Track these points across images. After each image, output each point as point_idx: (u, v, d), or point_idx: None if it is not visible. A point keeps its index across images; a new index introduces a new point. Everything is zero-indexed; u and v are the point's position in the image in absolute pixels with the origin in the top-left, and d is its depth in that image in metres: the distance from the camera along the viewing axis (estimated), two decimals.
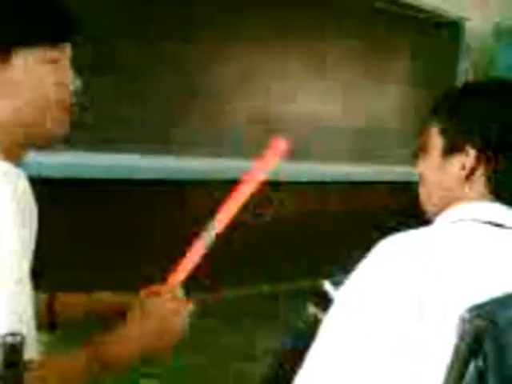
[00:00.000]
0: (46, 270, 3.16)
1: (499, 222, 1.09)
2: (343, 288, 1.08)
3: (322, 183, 4.78)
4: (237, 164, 4.16)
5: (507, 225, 1.09)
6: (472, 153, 1.13)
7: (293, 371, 1.08)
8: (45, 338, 1.23)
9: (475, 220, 1.09)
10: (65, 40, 1.12)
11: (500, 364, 0.90)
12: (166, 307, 1.18)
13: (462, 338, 0.91)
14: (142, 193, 3.93)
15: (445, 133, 1.17)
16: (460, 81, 5.59)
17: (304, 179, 4.66)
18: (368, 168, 5.14)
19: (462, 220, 1.10)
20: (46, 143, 1.13)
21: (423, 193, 1.24)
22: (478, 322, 0.89)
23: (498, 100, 1.15)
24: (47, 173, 3.16)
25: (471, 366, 0.91)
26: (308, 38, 4.72)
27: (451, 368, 0.92)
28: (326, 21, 4.76)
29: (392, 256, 1.04)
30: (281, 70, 4.61)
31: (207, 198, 4.01)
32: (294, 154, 4.91)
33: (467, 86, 1.25)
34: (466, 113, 1.16)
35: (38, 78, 1.08)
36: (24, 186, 1.00)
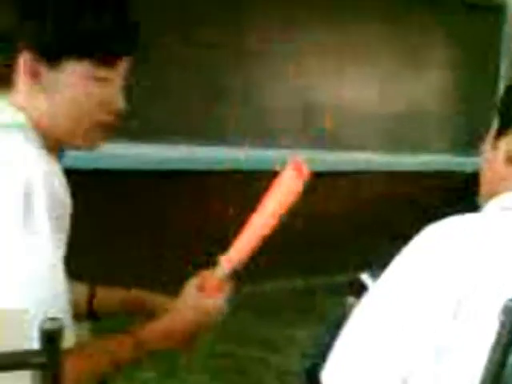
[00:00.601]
0: (86, 263, 3.23)
1: None
2: (387, 269, 1.07)
3: (356, 173, 4.74)
4: (271, 154, 4.18)
5: None
6: (510, 134, 1.12)
7: None
8: (85, 327, 1.26)
9: None
10: (116, 61, 1.09)
11: None
12: (207, 306, 1.19)
13: (503, 325, 0.89)
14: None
15: (499, 115, 1.17)
16: (502, 66, 5.48)
17: (337, 169, 4.62)
18: (408, 157, 5.07)
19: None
20: (70, 150, 1.15)
21: (482, 181, 1.23)
22: None
23: None
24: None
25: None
26: (342, 25, 4.67)
27: (492, 355, 0.91)
28: (361, 5, 4.70)
29: (437, 241, 1.03)
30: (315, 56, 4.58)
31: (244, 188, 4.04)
32: (326, 144, 4.87)
33: None
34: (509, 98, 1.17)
35: (84, 93, 1.07)
36: (60, 182, 1.01)
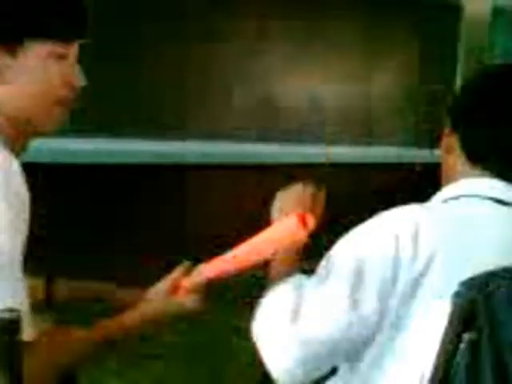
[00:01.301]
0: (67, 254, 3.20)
1: (502, 198, 1.09)
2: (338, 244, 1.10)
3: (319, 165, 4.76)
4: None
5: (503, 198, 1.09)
6: (448, 123, 1.18)
7: None
8: (45, 318, 1.24)
9: (479, 196, 1.10)
10: (76, 37, 1.10)
11: (494, 337, 0.91)
12: (178, 308, 1.21)
13: (455, 310, 0.92)
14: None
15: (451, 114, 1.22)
16: (459, 64, 5.57)
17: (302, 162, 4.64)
18: (370, 150, 5.11)
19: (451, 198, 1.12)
20: (37, 134, 1.13)
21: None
22: (472, 295, 0.90)
23: (476, 82, 1.20)
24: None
25: (465, 338, 0.92)
26: (304, 22, 4.68)
27: (444, 339, 0.93)
28: (323, 2, 4.72)
29: (389, 225, 1.06)
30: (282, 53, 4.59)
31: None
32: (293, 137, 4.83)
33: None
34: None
35: (44, 72, 1.07)
36: (17, 175, 1.01)
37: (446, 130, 1.19)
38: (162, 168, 3.88)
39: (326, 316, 1.03)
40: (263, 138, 4.48)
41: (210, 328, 3.24)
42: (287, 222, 1.16)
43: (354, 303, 1.01)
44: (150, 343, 2.95)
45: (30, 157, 1.14)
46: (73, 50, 1.11)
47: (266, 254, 1.18)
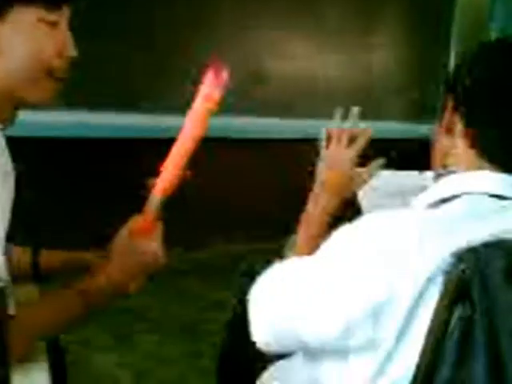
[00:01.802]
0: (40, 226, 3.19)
1: (504, 193, 1.04)
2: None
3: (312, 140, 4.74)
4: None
5: (505, 194, 1.04)
6: (459, 118, 1.09)
7: None
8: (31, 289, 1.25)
9: (479, 193, 1.04)
10: (62, 3, 1.06)
11: (488, 310, 0.89)
12: (142, 249, 1.17)
13: (447, 281, 0.90)
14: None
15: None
16: (453, 40, 5.54)
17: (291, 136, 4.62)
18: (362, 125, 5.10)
19: (464, 193, 1.04)
20: (28, 105, 1.10)
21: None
22: (464, 267, 0.89)
23: (487, 61, 1.09)
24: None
25: (457, 312, 0.91)
26: None
27: (436, 313, 0.91)
28: None
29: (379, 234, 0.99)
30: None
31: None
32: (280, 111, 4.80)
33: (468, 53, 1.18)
34: (460, 79, 1.12)
35: (35, 39, 1.04)
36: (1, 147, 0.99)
37: (449, 107, 1.11)
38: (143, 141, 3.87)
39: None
40: (264, 112, 4.45)
41: (198, 303, 3.26)
42: (198, 101, 1.16)
43: (347, 331, 0.97)
44: (138, 319, 2.97)
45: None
46: (64, 17, 1.07)
47: (197, 135, 1.18)
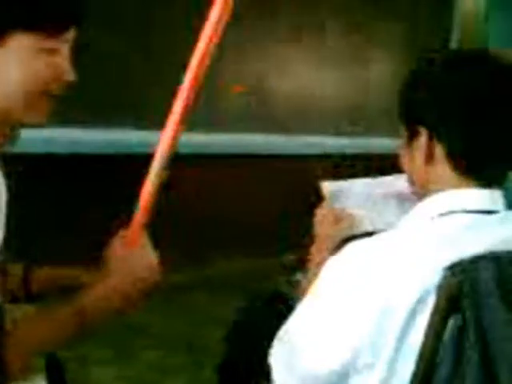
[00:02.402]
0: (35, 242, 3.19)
1: (487, 208, 1.04)
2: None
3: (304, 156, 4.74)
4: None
5: (491, 208, 1.05)
6: (424, 133, 1.06)
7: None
8: (23, 310, 1.23)
9: (463, 211, 1.04)
10: (62, 31, 1.07)
11: (479, 320, 0.91)
12: (135, 257, 1.16)
13: (439, 294, 0.93)
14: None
15: (402, 119, 1.12)
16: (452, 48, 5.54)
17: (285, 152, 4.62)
18: (355, 140, 5.10)
19: (444, 214, 1.04)
20: (20, 126, 1.11)
21: (409, 178, 1.17)
22: (455, 279, 0.91)
23: (443, 71, 1.08)
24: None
25: (450, 323, 0.93)
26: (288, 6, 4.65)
27: (430, 324, 0.94)
28: None
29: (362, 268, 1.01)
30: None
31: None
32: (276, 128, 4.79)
33: (420, 64, 1.14)
34: (413, 92, 1.09)
35: (32, 65, 1.04)
36: None
37: (422, 137, 1.06)
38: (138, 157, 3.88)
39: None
40: (258, 128, 4.46)
41: (201, 318, 3.26)
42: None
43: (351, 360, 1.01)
44: (138, 334, 2.97)
45: None
46: (66, 42, 1.08)
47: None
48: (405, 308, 0.96)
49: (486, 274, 0.92)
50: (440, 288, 0.93)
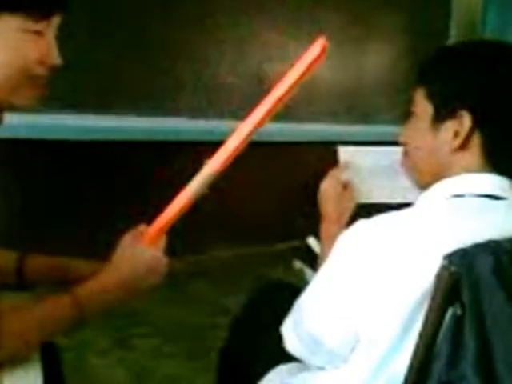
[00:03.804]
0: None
1: (499, 194, 1.05)
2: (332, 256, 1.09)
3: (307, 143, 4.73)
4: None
5: (500, 195, 1.05)
6: (467, 117, 1.05)
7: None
8: (15, 297, 1.22)
9: (473, 194, 1.04)
10: (50, 14, 1.06)
11: (477, 311, 0.91)
12: (144, 255, 1.16)
13: (438, 282, 0.92)
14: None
15: (434, 96, 1.09)
16: (450, 39, 5.53)
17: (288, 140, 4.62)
18: (357, 128, 5.10)
19: (458, 195, 1.05)
20: (5, 110, 1.10)
21: (408, 164, 1.17)
22: (454, 268, 0.90)
23: (491, 60, 1.06)
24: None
25: (448, 313, 0.93)
26: None
27: (428, 315, 0.93)
28: None
29: (372, 244, 1.02)
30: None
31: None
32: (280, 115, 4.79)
33: (457, 47, 1.14)
34: (458, 73, 1.07)
35: (18, 47, 1.04)
36: None
37: (466, 125, 1.05)
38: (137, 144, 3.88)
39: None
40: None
41: (198, 307, 3.26)
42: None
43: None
44: (137, 322, 2.97)
45: None
46: (51, 26, 1.07)
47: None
48: (418, 289, 0.96)
49: (486, 263, 0.91)
50: (438, 277, 0.92)
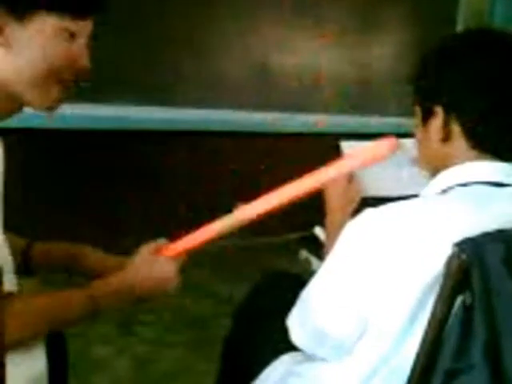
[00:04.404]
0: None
1: (503, 181, 1.06)
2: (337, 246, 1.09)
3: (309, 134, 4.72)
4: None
5: (504, 181, 1.06)
6: (440, 112, 1.10)
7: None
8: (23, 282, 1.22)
9: (476, 182, 1.06)
10: (87, 14, 1.06)
11: (487, 300, 0.90)
12: (160, 267, 1.21)
13: (448, 271, 0.91)
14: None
15: (417, 100, 1.15)
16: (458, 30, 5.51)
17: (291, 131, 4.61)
18: (361, 119, 5.08)
19: (461, 184, 1.07)
20: (24, 108, 1.10)
21: (419, 157, 1.21)
22: (465, 257, 0.89)
23: (465, 53, 1.10)
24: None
25: (458, 300, 0.92)
26: None
27: (438, 302, 0.93)
28: None
29: (377, 234, 1.02)
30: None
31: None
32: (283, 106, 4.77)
33: (438, 48, 1.16)
34: (431, 73, 1.12)
35: (49, 46, 1.03)
36: None
37: (439, 116, 1.10)
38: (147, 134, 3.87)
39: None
40: (259, 106, 4.45)
41: (202, 296, 3.26)
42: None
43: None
44: (140, 310, 2.97)
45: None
46: (86, 29, 1.07)
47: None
48: (426, 278, 0.97)
49: (496, 252, 0.91)
50: (448, 265, 0.91)
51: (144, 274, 1.19)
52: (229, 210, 1.22)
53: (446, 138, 1.10)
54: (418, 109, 1.16)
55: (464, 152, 1.09)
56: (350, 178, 1.41)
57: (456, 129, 1.09)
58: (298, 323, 1.14)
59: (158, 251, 1.23)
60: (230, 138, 4.18)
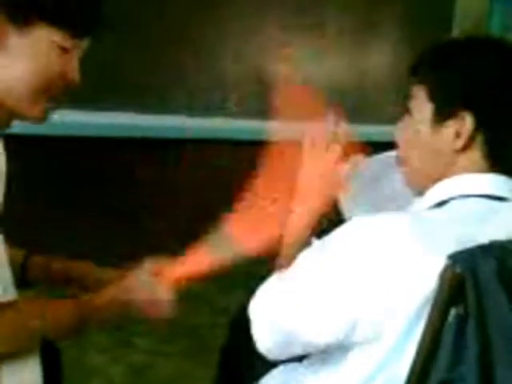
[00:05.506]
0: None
1: (503, 195, 1.04)
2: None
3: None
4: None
5: (505, 195, 1.04)
6: (468, 118, 1.02)
7: None
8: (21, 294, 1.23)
9: (476, 195, 1.03)
10: (87, 35, 1.09)
11: (480, 313, 0.90)
12: (158, 289, 1.22)
13: (441, 283, 0.91)
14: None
15: (435, 97, 1.06)
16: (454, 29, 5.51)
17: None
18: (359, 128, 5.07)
19: (461, 196, 1.04)
20: (16, 120, 1.11)
21: (406, 166, 1.13)
22: (458, 269, 0.90)
23: (497, 61, 1.04)
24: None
25: (452, 313, 0.92)
26: None
27: (431, 314, 0.93)
28: None
29: (371, 243, 0.99)
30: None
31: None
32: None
33: (459, 43, 1.10)
34: (462, 73, 1.04)
35: (43, 58, 1.04)
36: None
37: (464, 122, 1.03)
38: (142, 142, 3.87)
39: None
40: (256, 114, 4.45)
41: (198, 305, 3.25)
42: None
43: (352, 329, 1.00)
44: (136, 320, 2.96)
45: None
46: (80, 47, 1.10)
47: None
48: (420, 293, 0.94)
49: (490, 265, 0.91)
50: (442, 277, 0.91)
51: (143, 297, 1.20)
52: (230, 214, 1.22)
53: (465, 147, 1.04)
54: (424, 112, 1.07)
55: (474, 165, 1.05)
56: (339, 158, 1.24)
57: (479, 140, 1.04)
58: (268, 329, 1.10)
59: (156, 273, 1.24)
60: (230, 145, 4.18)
